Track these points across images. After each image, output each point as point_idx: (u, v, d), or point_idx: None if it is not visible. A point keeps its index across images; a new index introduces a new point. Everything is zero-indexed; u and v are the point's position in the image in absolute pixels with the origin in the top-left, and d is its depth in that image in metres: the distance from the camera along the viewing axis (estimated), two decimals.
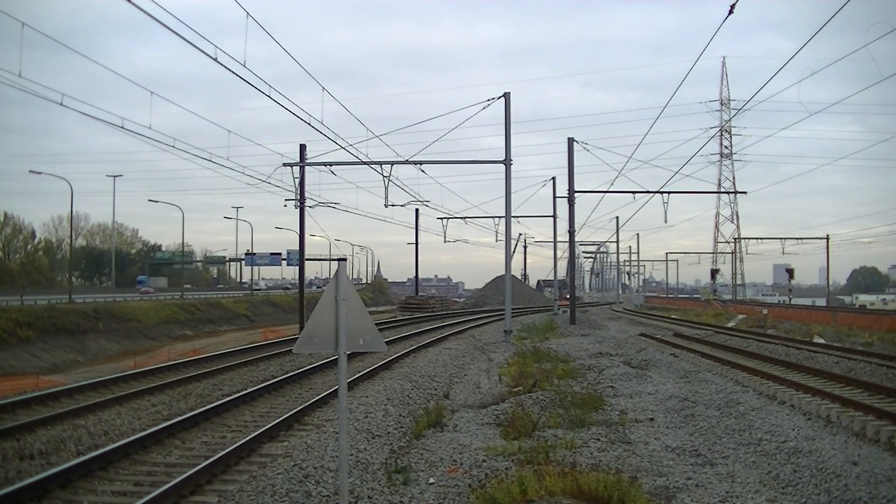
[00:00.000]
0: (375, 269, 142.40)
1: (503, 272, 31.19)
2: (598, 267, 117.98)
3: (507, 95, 26.00)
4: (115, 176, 67.49)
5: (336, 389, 7.54)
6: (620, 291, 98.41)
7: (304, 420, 11.41)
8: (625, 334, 30.52)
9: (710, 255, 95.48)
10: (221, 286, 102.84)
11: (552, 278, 67.56)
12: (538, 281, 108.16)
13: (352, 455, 8.54)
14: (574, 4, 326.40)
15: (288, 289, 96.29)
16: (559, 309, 49.88)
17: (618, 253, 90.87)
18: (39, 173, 50.05)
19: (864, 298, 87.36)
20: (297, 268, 40.52)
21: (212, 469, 8.30)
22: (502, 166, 26.57)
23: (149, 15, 12.32)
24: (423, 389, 14.36)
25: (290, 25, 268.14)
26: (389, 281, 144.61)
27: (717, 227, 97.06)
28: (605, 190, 36.71)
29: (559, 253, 58.67)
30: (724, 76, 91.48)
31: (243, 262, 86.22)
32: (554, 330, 31.07)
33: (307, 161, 29.90)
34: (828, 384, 14.24)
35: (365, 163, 26.54)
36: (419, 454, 9.03)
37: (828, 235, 71.43)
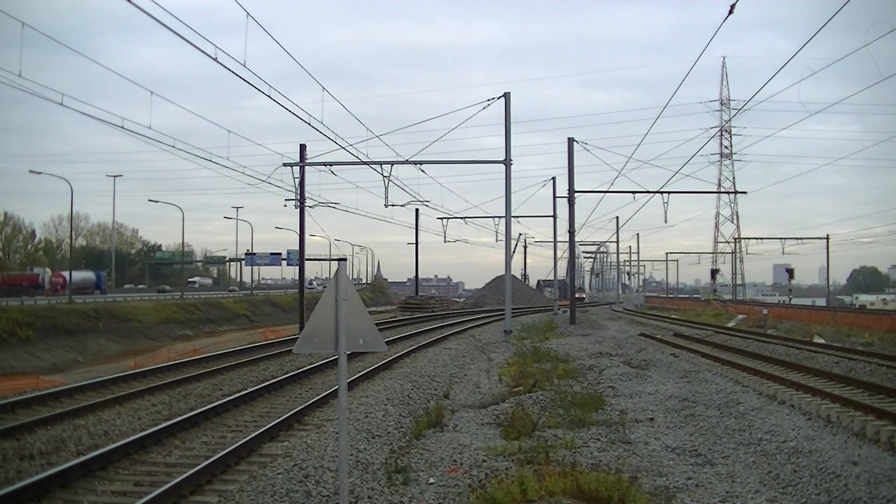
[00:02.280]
0: (375, 269, 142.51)
1: (503, 272, 31.20)
2: (598, 267, 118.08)
3: (507, 95, 25.99)
4: (115, 176, 67.55)
5: (336, 389, 7.54)
6: (620, 291, 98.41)
7: (304, 420, 11.41)
8: (625, 334, 30.51)
9: (710, 255, 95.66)
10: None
11: (552, 278, 67.61)
12: (538, 281, 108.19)
13: (352, 455, 8.53)
14: (571, 3, 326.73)
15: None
16: (559, 309, 49.91)
17: (618, 253, 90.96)
18: (39, 173, 50.05)
19: (864, 298, 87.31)
20: (297, 268, 40.54)
21: (212, 469, 8.30)
22: (502, 166, 26.58)
23: (148, 14, 12.33)
24: (423, 389, 14.36)
25: (287, 24, 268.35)
26: (389, 281, 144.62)
27: (717, 227, 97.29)
28: (605, 190, 36.76)
29: (559, 253, 58.74)
30: (724, 76, 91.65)
31: (243, 262, 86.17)
32: (554, 330, 31.06)
33: (307, 161, 29.90)
34: (828, 384, 14.23)
35: (365, 163, 26.54)
36: (419, 454, 9.02)
37: (828, 235, 71.48)
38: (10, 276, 61.37)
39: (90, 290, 61.73)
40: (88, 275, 66.94)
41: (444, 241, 50.25)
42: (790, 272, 66.79)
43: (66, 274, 57.77)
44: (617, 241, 76.97)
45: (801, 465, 8.15)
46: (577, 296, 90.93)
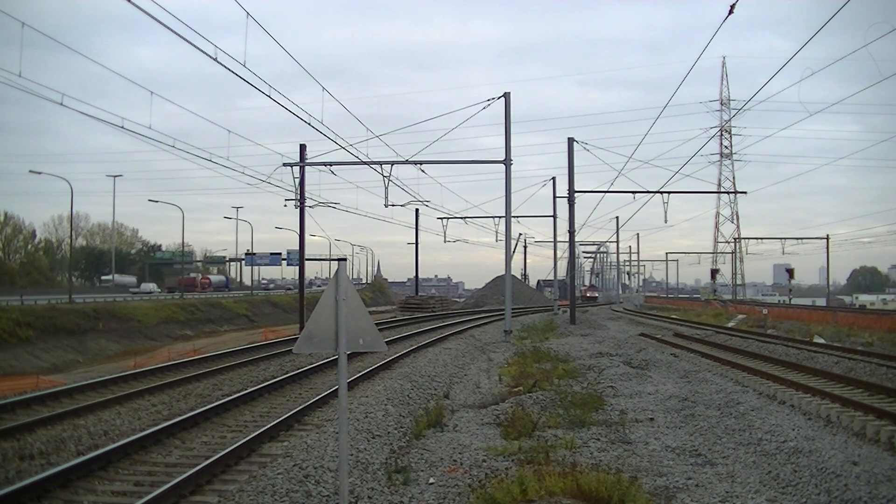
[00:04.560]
0: (375, 269, 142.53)
1: (503, 272, 31.19)
2: (598, 267, 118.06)
3: (507, 95, 25.99)
4: (114, 176, 67.37)
5: (336, 389, 7.54)
6: (620, 291, 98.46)
7: (304, 420, 11.41)
8: (625, 334, 30.51)
9: (710, 255, 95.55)
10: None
11: (552, 278, 67.66)
12: (538, 281, 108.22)
13: (352, 455, 8.53)
14: (569, 3, 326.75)
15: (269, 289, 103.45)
16: (559, 309, 49.94)
17: (618, 253, 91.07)
18: (39, 173, 50.03)
19: (864, 298, 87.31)
20: (298, 268, 40.55)
21: (212, 469, 8.30)
22: (502, 166, 26.58)
23: (147, 14, 12.31)
24: (423, 389, 14.36)
25: (285, 23, 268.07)
26: (389, 281, 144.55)
27: (717, 227, 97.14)
28: (605, 190, 36.75)
29: (559, 253, 58.76)
30: (724, 76, 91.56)
31: (243, 262, 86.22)
32: (554, 330, 31.07)
33: (307, 161, 29.90)
34: (828, 384, 14.23)
35: (365, 163, 26.54)
36: (419, 454, 9.03)
37: (828, 235, 71.49)
38: (182, 278, 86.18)
39: (223, 288, 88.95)
40: (221, 278, 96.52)
41: (444, 241, 50.41)
42: (790, 272, 66.77)
43: (210, 277, 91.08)
44: (617, 241, 77.06)
45: (801, 465, 8.15)
46: (589, 294, 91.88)
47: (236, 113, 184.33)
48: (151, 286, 78.24)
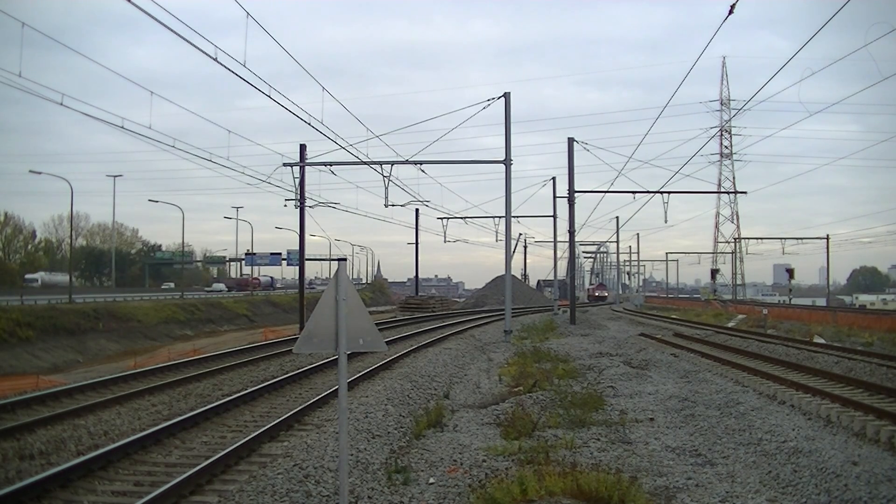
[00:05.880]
0: (375, 269, 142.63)
1: (503, 272, 31.20)
2: (598, 267, 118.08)
3: (507, 95, 25.98)
4: (115, 176, 67.52)
5: (336, 389, 7.54)
6: (620, 291, 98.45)
7: (304, 420, 11.41)
8: (625, 334, 30.50)
9: (710, 255, 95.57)
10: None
11: (552, 278, 67.69)
12: (538, 281, 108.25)
13: (352, 455, 8.53)
14: (568, 2, 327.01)
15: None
16: (559, 309, 49.96)
17: (618, 253, 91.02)
18: (39, 173, 49.97)
19: (864, 298, 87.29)
20: (298, 268, 40.55)
21: (212, 469, 8.30)
22: (502, 166, 26.57)
23: (147, 14, 12.30)
24: (423, 389, 14.36)
25: (285, 23, 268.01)
26: (389, 281, 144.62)
27: (717, 227, 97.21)
28: (605, 190, 36.74)
29: (559, 253, 58.78)
30: (724, 76, 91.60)
31: (243, 262, 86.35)
32: (554, 330, 31.05)
33: (307, 161, 29.90)
34: (828, 384, 14.23)
35: (365, 163, 26.53)
36: (419, 454, 9.03)
37: (828, 235, 71.45)
38: (238, 279, 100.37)
39: (269, 287, 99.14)
40: (268, 278, 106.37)
41: (444, 241, 50.44)
42: (790, 272, 66.75)
43: (259, 277, 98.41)
44: (617, 241, 77.10)
45: (801, 465, 8.15)
46: (597, 294, 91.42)
47: (236, 113, 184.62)
48: (221, 286, 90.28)
